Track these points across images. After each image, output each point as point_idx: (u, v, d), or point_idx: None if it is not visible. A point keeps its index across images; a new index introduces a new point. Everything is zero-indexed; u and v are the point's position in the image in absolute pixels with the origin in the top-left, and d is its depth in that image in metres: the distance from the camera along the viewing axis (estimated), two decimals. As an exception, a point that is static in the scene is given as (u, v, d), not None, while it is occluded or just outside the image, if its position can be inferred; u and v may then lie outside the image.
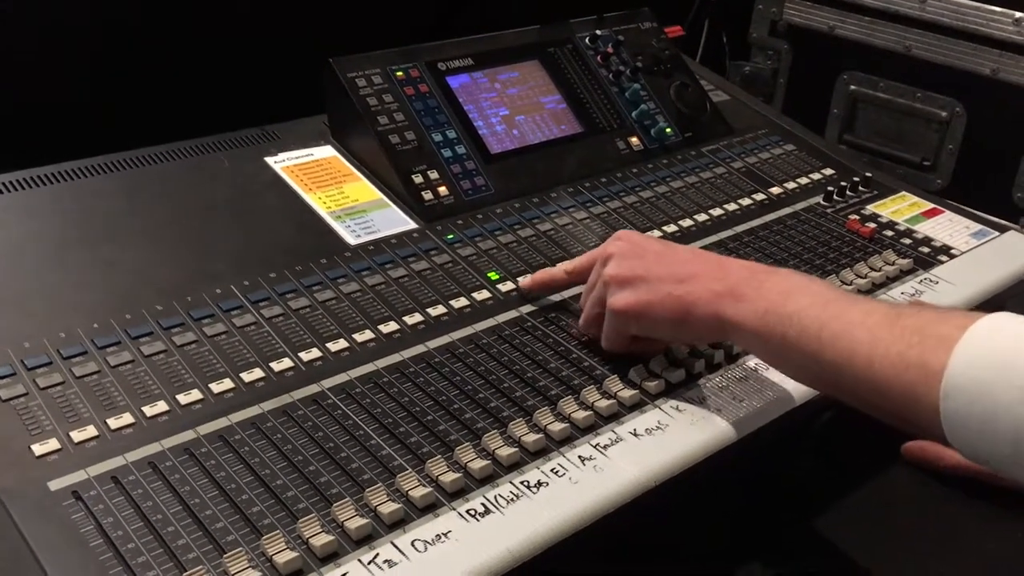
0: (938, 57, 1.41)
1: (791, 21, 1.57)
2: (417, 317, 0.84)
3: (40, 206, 0.91)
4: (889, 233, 1.06)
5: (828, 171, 1.19)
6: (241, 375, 0.75)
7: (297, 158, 1.03)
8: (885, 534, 0.76)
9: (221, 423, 0.71)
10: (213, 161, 1.01)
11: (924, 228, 1.08)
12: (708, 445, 0.73)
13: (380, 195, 1.00)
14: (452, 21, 1.29)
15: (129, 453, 0.67)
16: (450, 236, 0.96)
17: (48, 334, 0.76)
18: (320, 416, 0.72)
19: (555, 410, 0.74)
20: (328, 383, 0.75)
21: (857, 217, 1.08)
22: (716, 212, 1.07)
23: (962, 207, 1.14)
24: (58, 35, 1.05)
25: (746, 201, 1.10)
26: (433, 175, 1.01)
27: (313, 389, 0.75)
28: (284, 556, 0.59)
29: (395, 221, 0.97)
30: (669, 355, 0.81)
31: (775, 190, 1.13)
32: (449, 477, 0.66)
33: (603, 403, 0.75)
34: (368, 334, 0.81)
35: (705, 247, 1.00)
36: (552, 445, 0.71)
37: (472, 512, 0.65)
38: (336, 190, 1.00)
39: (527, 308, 0.87)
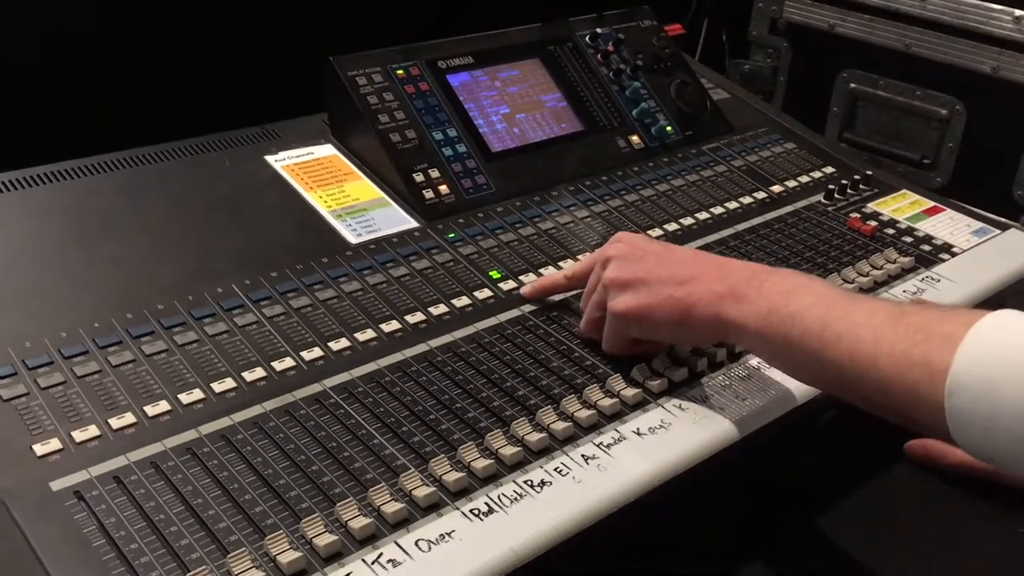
0: (938, 55, 1.41)
1: (791, 19, 1.57)
2: (419, 316, 0.84)
3: (40, 205, 0.90)
4: (890, 231, 1.06)
5: (828, 169, 1.19)
6: (243, 374, 0.75)
7: (298, 157, 1.03)
8: (888, 533, 0.76)
9: (223, 423, 0.70)
10: (213, 160, 1.01)
11: (925, 226, 1.08)
12: (711, 444, 0.73)
13: (381, 194, 1.00)
14: (452, 20, 1.29)
15: (131, 453, 0.67)
16: (451, 235, 0.95)
17: (49, 333, 0.75)
18: (322, 415, 0.72)
19: (558, 409, 0.74)
20: (330, 382, 0.75)
21: (858, 215, 1.08)
22: (717, 210, 1.07)
23: (963, 205, 1.14)
24: (58, 35, 1.05)
25: (747, 199, 1.10)
26: (434, 174, 1.01)
27: (315, 388, 0.75)
28: (288, 556, 0.59)
29: (396, 220, 0.97)
30: (671, 354, 0.80)
31: (776, 188, 1.13)
32: (452, 476, 0.66)
33: (606, 402, 0.74)
34: (370, 333, 0.81)
35: (707, 245, 1.00)
36: (555, 444, 0.71)
37: (476, 512, 0.65)
38: (337, 189, 0.99)
39: (529, 307, 0.87)
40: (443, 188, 1.00)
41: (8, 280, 0.81)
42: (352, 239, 0.93)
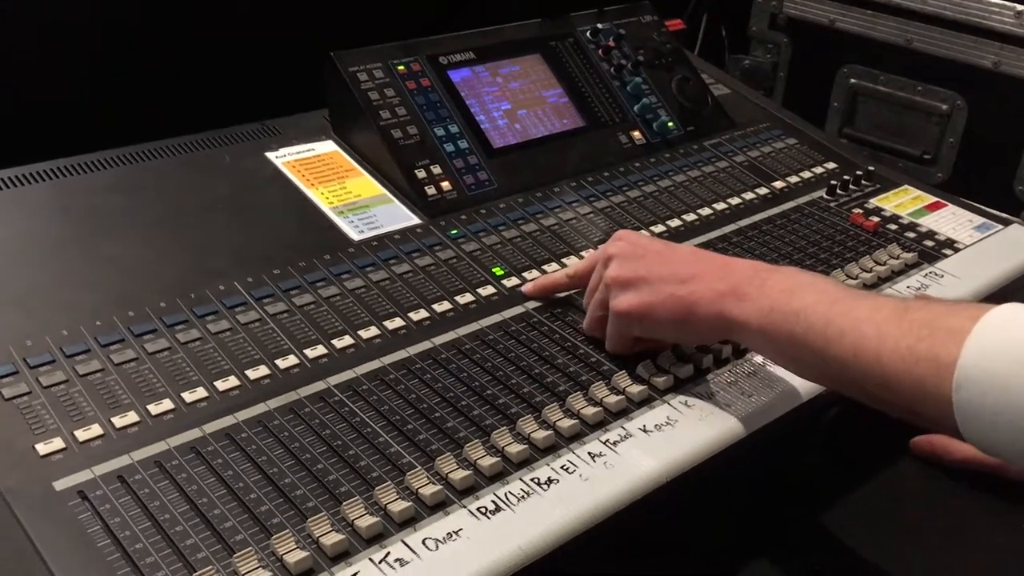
0: (939, 50, 1.41)
1: (791, 14, 1.57)
2: (423, 313, 0.84)
3: (40, 203, 0.90)
4: (893, 227, 1.06)
5: (830, 165, 1.19)
6: (246, 372, 0.74)
7: (298, 153, 1.02)
8: (893, 529, 0.76)
9: (227, 421, 0.70)
10: (214, 157, 1.00)
11: (928, 222, 1.07)
12: (718, 440, 0.73)
13: (383, 190, 0.99)
14: (453, 16, 1.28)
15: (135, 452, 0.67)
16: (454, 231, 0.95)
17: (50, 332, 0.75)
18: (327, 413, 0.72)
19: (564, 406, 0.74)
20: (334, 380, 0.75)
21: (861, 211, 1.08)
22: (720, 206, 1.07)
23: (964, 200, 1.14)
24: (58, 35, 1.04)
25: (749, 195, 1.10)
26: (436, 170, 1.01)
27: (319, 386, 0.74)
28: (294, 556, 0.59)
29: (398, 216, 0.96)
30: (677, 350, 0.80)
31: (778, 184, 1.13)
32: (459, 475, 0.66)
33: (612, 399, 0.74)
34: (374, 330, 0.80)
35: (709, 241, 1.00)
36: (562, 442, 0.71)
37: (483, 510, 0.64)
38: (338, 185, 0.99)
39: (533, 304, 0.87)
40: (445, 184, 1.00)
41: (9, 278, 0.80)
42: (354, 236, 0.92)
